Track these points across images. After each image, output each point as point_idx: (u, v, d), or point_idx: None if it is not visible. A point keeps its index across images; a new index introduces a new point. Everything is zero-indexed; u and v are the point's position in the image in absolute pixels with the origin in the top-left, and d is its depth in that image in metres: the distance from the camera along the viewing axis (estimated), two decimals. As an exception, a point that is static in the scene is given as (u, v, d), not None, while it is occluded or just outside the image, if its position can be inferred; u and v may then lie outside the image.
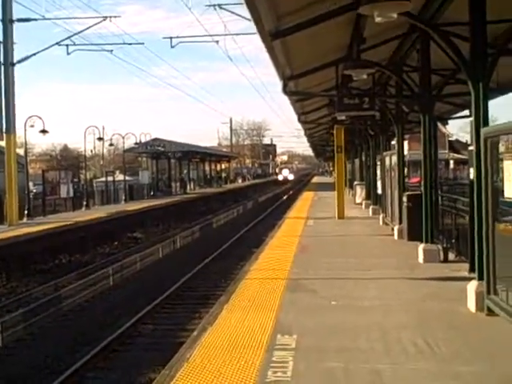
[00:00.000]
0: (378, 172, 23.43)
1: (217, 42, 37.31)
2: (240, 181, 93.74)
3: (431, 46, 12.16)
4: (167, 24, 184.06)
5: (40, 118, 31.27)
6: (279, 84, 15.45)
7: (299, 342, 7.43)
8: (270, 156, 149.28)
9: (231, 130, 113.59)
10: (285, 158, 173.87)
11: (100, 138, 44.21)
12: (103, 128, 44.50)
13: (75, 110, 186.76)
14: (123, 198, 42.89)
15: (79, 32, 31.42)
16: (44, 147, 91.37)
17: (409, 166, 39.49)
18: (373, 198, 26.29)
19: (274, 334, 7.84)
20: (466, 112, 21.64)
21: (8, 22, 27.27)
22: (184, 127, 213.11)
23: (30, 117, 31.27)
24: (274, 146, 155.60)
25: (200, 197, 52.33)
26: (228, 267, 20.35)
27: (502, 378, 6.21)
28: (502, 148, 7.87)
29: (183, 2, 77.38)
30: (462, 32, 9.61)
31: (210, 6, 29.65)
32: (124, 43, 35.46)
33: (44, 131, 31.21)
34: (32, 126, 31.32)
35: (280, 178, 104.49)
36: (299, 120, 29.72)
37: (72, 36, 31.26)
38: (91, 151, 61.65)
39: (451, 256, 13.21)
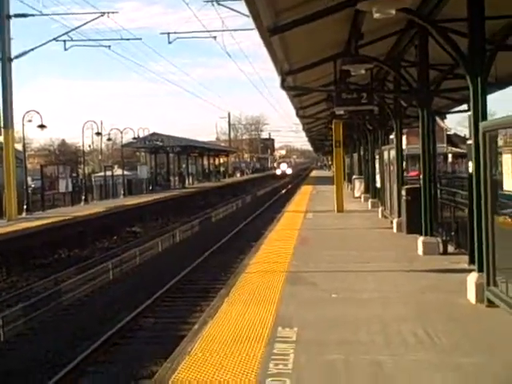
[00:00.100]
0: (377, 166, 23.47)
1: (214, 37, 37.29)
2: (238, 175, 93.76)
3: (429, 41, 12.18)
4: (165, 19, 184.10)
5: (38, 112, 31.36)
6: (277, 79, 15.51)
7: (300, 335, 7.49)
8: (269, 150, 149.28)
9: (229, 124, 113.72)
10: (283, 152, 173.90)
11: (98, 133, 44.25)
12: (101, 123, 44.46)
13: (73, 105, 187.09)
14: (122, 192, 42.89)
15: (77, 27, 31.41)
16: (42, 142, 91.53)
17: (407, 160, 39.52)
18: (371, 191, 26.33)
19: (275, 326, 7.89)
20: (464, 106, 21.71)
21: (5, 17, 27.26)
22: (182, 122, 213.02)
23: (28, 112, 31.37)
24: (273, 140, 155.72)
25: (199, 191, 52.33)
26: (228, 261, 20.40)
27: (502, 369, 6.27)
28: (500, 142, 7.93)
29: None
30: (460, 28, 9.64)
31: (207, 1, 29.59)
32: (122, 39, 35.47)
33: (42, 126, 31.25)
34: (30, 121, 31.42)
35: (278, 172, 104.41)
36: (297, 115, 29.73)
37: (69, 31, 31.24)
38: (89, 146, 61.69)
39: (450, 248, 13.26)
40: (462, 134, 77.62)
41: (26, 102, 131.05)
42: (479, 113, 8.88)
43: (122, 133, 48.47)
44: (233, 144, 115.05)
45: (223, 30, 46.80)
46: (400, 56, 15.56)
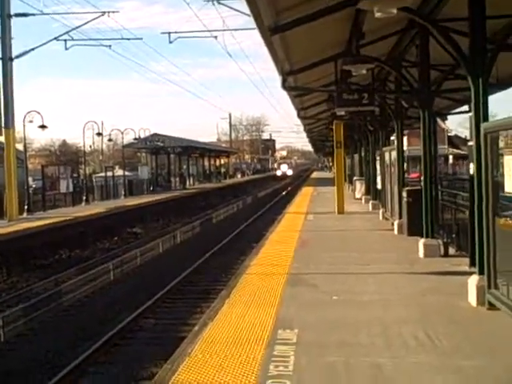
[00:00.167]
0: (378, 167, 23.45)
1: (215, 37, 37.28)
2: (239, 176, 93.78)
3: (430, 41, 12.17)
4: (166, 19, 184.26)
5: (39, 113, 31.36)
6: (278, 79, 15.49)
7: (300, 337, 7.47)
8: (269, 151, 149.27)
9: (230, 125, 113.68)
10: (284, 153, 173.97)
11: (99, 134, 44.19)
12: (102, 123, 44.41)
13: (74, 105, 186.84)
14: (123, 193, 42.91)
15: (77, 27, 31.44)
16: (43, 142, 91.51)
17: (408, 162, 39.52)
18: (372, 193, 26.32)
19: (275, 328, 7.88)
20: (465, 107, 21.72)
21: (6, 16, 27.28)
22: (183, 122, 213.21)
23: (29, 112, 31.36)
24: (273, 141, 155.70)
25: (199, 192, 52.32)
26: (228, 262, 20.37)
27: (503, 371, 6.24)
28: (501, 143, 7.90)
29: (182, -3, 77.17)
30: (461, 27, 9.63)
31: (208, 0, 29.59)
32: (122, 38, 35.48)
33: (43, 126, 31.26)
34: (31, 122, 31.39)
35: (278, 173, 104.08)
36: (298, 116, 29.72)
37: (70, 31, 31.25)
38: (90, 146, 61.50)
39: (451, 251, 13.25)
40: (463, 136, 77.74)
41: (27, 102, 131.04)
42: (480, 114, 8.86)
43: (122, 133, 48.52)
44: (234, 145, 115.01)
45: (224, 30, 46.65)
46: (401, 56, 15.56)
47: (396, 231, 16.96)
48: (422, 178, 13.39)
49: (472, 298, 8.80)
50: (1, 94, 27.17)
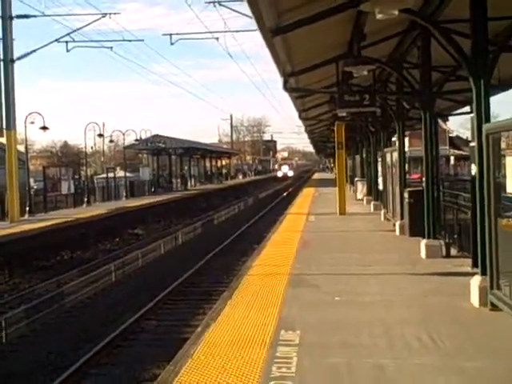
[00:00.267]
0: (379, 168, 23.45)
1: (217, 38, 37.34)
2: (241, 177, 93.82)
3: (432, 42, 12.17)
4: (167, 21, 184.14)
5: (40, 114, 31.41)
6: (280, 81, 15.48)
7: (303, 338, 7.47)
8: (271, 152, 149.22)
9: (231, 126, 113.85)
10: (285, 154, 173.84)
11: (100, 135, 44.25)
12: (103, 125, 44.57)
13: (75, 107, 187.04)
14: (124, 194, 42.96)
15: (79, 29, 31.50)
16: (44, 144, 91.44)
17: (409, 163, 39.47)
18: (374, 193, 26.32)
19: (278, 329, 7.88)
20: (467, 108, 21.71)
21: (7, 18, 27.30)
22: (184, 124, 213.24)
23: (30, 113, 31.42)
24: (275, 142, 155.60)
25: (201, 193, 52.35)
26: (230, 263, 20.38)
27: (506, 372, 6.25)
28: (503, 144, 7.92)
29: (183, -1, 77.18)
30: (462, 29, 9.62)
31: (209, 2, 29.67)
32: (124, 40, 35.74)
33: (44, 128, 31.31)
34: (32, 123, 31.45)
35: (279, 174, 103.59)
36: (300, 117, 29.70)
37: (71, 33, 31.31)
38: (91, 148, 61.51)
39: (453, 251, 13.24)
40: (465, 137, 77.61)
41: (28, 104, 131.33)
42: (482, 115, 8.85)
43: (124, 134, 48.59)
44: (235, 146, 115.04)
45: (225, 31, 46.58)
46: (402, 57, 15.55)
47: (398, 232, 16.97)
48: (424, 179, 13.39)
49: (474, 299, 8.79)
50: (2, 96, 27.22)
